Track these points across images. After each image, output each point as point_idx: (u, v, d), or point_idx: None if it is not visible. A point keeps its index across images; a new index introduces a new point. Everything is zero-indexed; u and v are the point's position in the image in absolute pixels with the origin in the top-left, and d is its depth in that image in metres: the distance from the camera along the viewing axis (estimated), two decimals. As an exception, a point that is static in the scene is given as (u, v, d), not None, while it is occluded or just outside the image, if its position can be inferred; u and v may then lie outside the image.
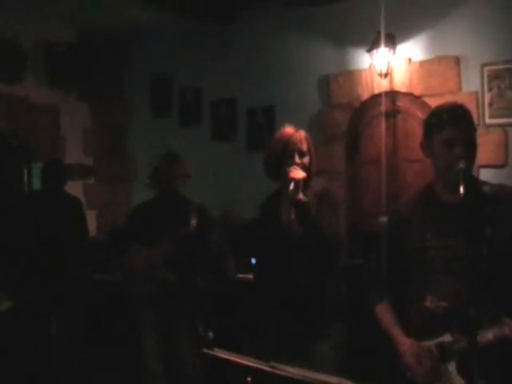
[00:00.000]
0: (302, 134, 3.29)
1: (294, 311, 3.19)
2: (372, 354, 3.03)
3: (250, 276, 4.81)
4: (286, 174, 3.17)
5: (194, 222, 4.10)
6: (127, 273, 4.21)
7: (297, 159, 3.19)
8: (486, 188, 2.45)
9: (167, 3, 6.07)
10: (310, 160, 3.27)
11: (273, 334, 3.28)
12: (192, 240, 4.05)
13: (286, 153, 3.21)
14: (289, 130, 3.30)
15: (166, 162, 4.19)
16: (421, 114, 5.25)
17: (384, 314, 2.59)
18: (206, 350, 2.28)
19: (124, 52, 7.45)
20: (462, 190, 2.17)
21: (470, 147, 2.38)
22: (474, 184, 2.41)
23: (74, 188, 6.60)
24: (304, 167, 3.22)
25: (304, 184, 3.20)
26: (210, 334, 2.36)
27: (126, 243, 4.17)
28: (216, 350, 2.26)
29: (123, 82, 7.52)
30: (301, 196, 3.14)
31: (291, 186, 3.11)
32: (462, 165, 2.27)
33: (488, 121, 5.18)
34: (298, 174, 3.15)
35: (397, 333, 2.48)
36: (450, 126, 2.35)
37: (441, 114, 2.41)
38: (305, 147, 3.25)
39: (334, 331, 3.25)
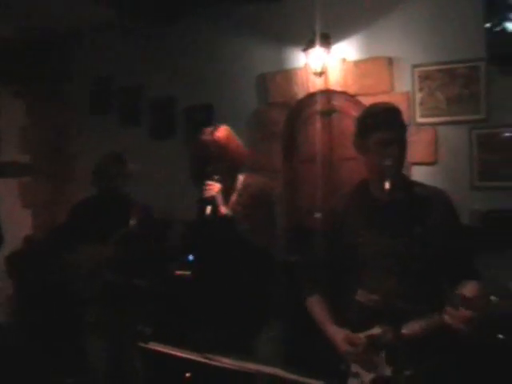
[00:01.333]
0: (218, 134, 3.34)
1: (232, 307, 3.24)
2: (309, 349, 3.11)
3: (188, 273, 4.85)
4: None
5: (133, 221, 4.11)
6: (71, 271, 4.19)
7: (210, 168, 3.26)
8: (417, 188, 2.56)
9: (109, 2, 6.02)
10: (229, 155, 3.33)
11: (210, 329, 3.32)
12: (133, 239, 4.07)
13: (201, 161, 3.29)
14: (203, 135, 3.37)
15: (106, 160, 4.21)
16: (355, 113, 5.35)
17: (317, 306, 2.66)
18: (142, 344, 2.32)
19: (64, 50, 7.34)
20: (387, 185, 2.27)
21: (402, 147, 2.48)
22: (405, 183, 2.52)
23: (9, 186, 6.50)
24: (222, 170, 3.28)
25: (229, 182, 3.27)
26: (148, 330, 2.40)
27: (68, 241, 4.16)
28: (152, 344, 2.30)
29: (63, 80, 7.41)
30: (223, 210, 3.18)
31: (208, 210, 3.15)
32: (388, 162, 2.37)
33: (419, 120, 5.35)
34: (211, 191, 3.19)
35: (329, 325, 2.56)
36: (385, 126, 2.44)
37: (376, 114, 2.50)
38: (217, 149, 3.30)
39: (270, 327, 3.32)
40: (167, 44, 6.61)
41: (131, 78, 6.85)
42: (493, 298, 2.16)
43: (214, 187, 3.22)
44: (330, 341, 2.53)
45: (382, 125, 2.44)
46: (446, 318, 2.22)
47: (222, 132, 3.40)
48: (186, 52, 6.49)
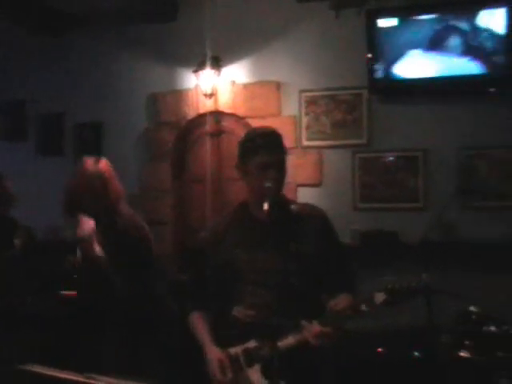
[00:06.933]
0: (98, 169, 3.29)
1: (114, 326, 3.23)
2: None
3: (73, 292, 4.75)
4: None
5: (17, 242, 3.97)
6: None
7: (87, 201, 3.23)
8: (292, 206, 2.67)
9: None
10: (112, 190, 3.31)
11: (96, 349, 3.29)
12: (18, 261, 3.93)
13: (75, 197, 3.26)
14: (86, 166, 3.31)
15: None
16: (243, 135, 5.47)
17: (197, 323, 2.69)
18: (22, 367, 2.27)
19: None
20: (266, 206, 2.38)
21: (281, 170, 2.57)
22: (282, 203, 2.62)
23: None
24: (102, 207, 3.26)
25: (106, 221, 3.27)
26: (30, 351, 2.35)
27: None
28: (32, 366, 2.26)
29: None
30: (96, 249, 3.19)
31: (78, 254, 3.20)
32: (268, 184, 2.46)
33: (305, 143, 5.55)
34: (85, 229, 3.18)
35: (207, 341, 2.59)
36: (264, 151, 2.51)
37: (255, 139, 2.57)
38: (99, 188, 3.25)
39: (159, 345, 3.33)
40: (57, 57, 6.46)
41: (17, 91, 6.61)
42: (363, 307, 2.29)
43: (87, 225, 3.19)
44: (207, 360, 2.55)
45: (261, 149, 2.51)
46: (305, 333, 2.33)
47: (105, 165, 3.34)
48: (76, 68, 6.37)
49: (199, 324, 2.68)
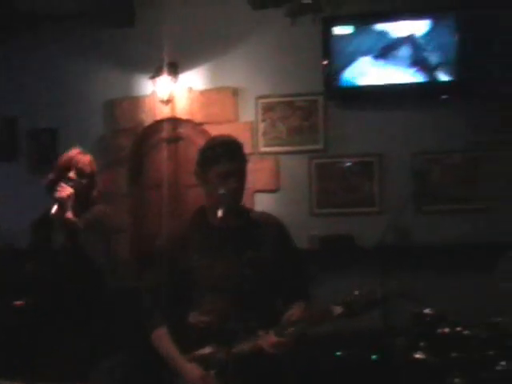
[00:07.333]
0: (86, 156, 3.37)
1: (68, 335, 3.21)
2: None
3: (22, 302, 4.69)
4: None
5: None
6: None
7: (72, 174, 3.24)
8: (251, 214, 2.70)
9: None
10: (90, 184, 3.35)
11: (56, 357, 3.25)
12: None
13: (63, 169, 3.27)
14: (74, 150, 3.37)
15: None
16: (201, 141, 5.39)
17: (164, 340, 2.60)
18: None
19: None
20: (220, 213, 2.42)
21: (241, 178, 2.59)
22: (240, 210, 2.64)
23: None
24: (79, 186, 3.26)
25: (80, 204, 3.25)
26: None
27: None
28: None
29: None
30: (69, 215, 3.16)
31: (54, 209, 3.13)
32: (222, 191, 2.48)
33: (262, 149, 5.59)
34: (63, 192, 3.16)
35: (182, 361, 2.51)
36: (224, 159, 2.52)
37: (215, 147, 2.57)
38: (87, 169, 3.32)
39: (114, 354, 3.31)
40: (10, 61, 6.30)
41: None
42: (321, 319, 2.32)
43: (67, 190, 3.17)
44: (184, 376, 2.49)
45: (222, 158, 2.52)
46: (260, 341, 2.35)
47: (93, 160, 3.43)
48: (30, 72, 6.22)
49: (167, 342, 2.59)
